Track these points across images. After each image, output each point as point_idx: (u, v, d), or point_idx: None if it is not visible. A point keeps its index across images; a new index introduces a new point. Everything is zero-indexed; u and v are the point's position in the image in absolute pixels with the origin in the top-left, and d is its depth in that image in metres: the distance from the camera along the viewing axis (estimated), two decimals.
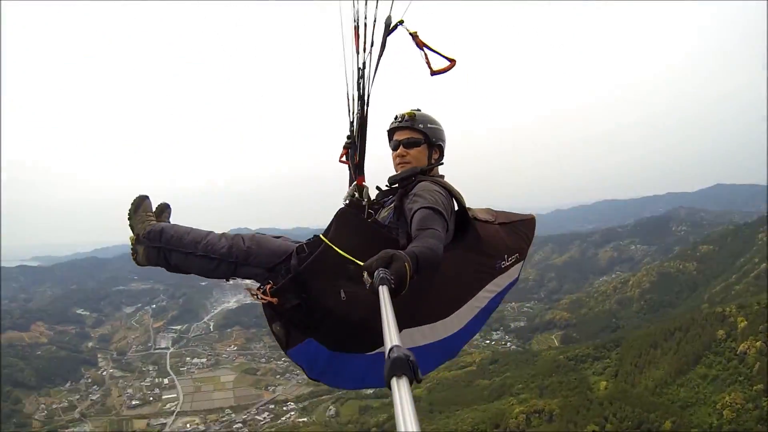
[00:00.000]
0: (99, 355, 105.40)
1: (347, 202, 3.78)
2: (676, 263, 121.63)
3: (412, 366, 1.26)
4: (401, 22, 3.63)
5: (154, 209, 3.93)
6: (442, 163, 3.91)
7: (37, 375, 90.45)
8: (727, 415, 53.23)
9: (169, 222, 3.91)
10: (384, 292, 1.95)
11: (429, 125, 3.70)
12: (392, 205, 3.57)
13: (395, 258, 2.28)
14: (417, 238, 2.84)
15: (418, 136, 3.69)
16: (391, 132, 3.83)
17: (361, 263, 2.38)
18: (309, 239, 3.51)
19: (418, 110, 3.76)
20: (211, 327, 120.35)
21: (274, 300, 3.21)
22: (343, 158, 4.08)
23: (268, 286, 3.25)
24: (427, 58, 3.70)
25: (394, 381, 1.20)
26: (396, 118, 3.77)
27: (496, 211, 4.06)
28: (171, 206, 4.03)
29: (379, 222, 3.61)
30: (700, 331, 67.93)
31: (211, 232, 3.64)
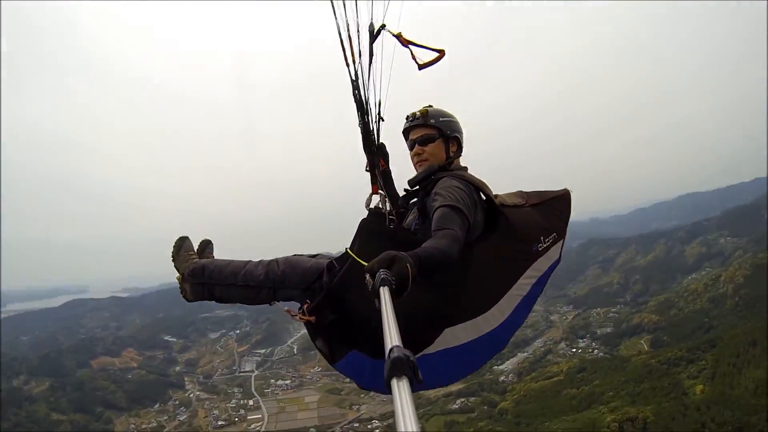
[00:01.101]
0: (186, 379, 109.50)
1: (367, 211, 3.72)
2: None
3: (412, 366, 1.26)
4: (383, 27, 3.59)
5: (196, 247, 4.07)
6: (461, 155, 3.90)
7: (127, 397, 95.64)
8: None
9: (213, 257, 4.02)
10: (385, 293, 1.97)
11: (441, 119, 3.66)
12: (416, 207, 3.61)
13: (397, 259, 2.29)
14: (430, 239, 2.85)
15: (431, 132, 3.66)
16: (405, 133, 3.84)
17: None
18: (340, 254, 3.51)
19: (430, 106, 3.71)
20: (295, 350, 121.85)
21: (312, 318, 3.28)
22: (365, 168, 4.06)
23: (306, 306, 3.31)
24: (413, 54, 3.69)
25: (394, 381, 1.20)
26: (408, 118, 3.78)
27: (527, 193, 3.97)
28: (213, 242, 4.17)
29: (402, 227, 3.71)
30: None
31: (249, 262, 3.70)
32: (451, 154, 3.72)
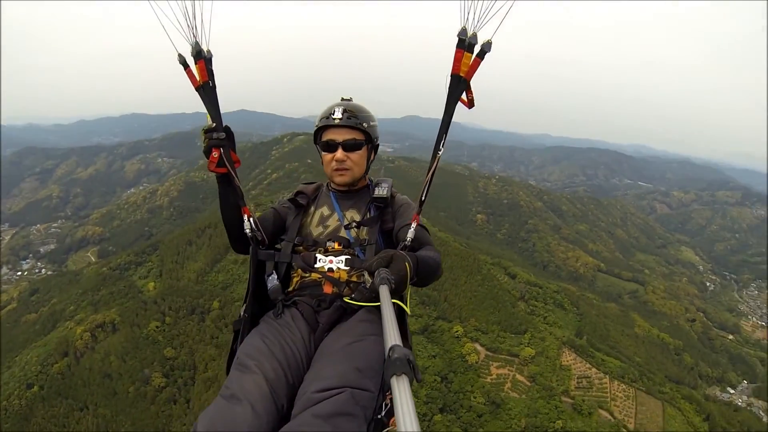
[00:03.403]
0: None
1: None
2: (201, 173, 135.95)
3: (411, 365, 1.30)
4: (489, 44, 2.29)
5: None
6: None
7: None
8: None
9: None
10: (384, 292, 1.98)
11: (371, 123, 2.98)
12: (376, 226, 2.94)
13: (396, 258, 2.26)
14: (422, 249, 2.73)
15: (360, 137, 2.94)
16: (322, 130, 2.99)
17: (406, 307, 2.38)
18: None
19: (350, 100, 3.05)
20: None
21: None
22: (216, 165, 2.64)
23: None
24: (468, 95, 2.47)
25: (394, 379, 1.21)
26: (333, 113, 2.91)
27: None
28: None
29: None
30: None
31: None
32: (370, 164, 3.13)
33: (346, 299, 2.59)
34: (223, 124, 2.63)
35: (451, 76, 2.38)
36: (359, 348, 2.29)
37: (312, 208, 3.09)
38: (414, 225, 2.71)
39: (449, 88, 2.40)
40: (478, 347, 65.17)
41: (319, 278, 2.77)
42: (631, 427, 57.40)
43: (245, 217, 2.75)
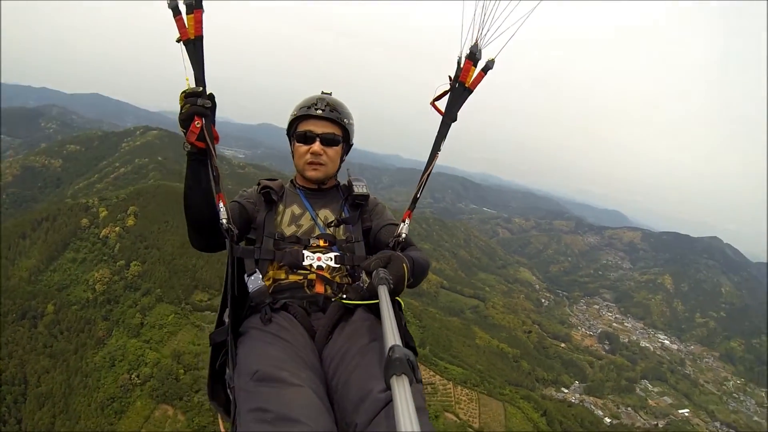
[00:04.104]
0: None
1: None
2: (42, 158, 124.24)
3: (411, 365, 1.29)
4: (492, 62, 2.52)
5: None
6: None
7: None
8: (99, 288, 64.31)
9: None
10: (383, 292, 1.97)
11: (351, 121, 2.96)
12: (359, 222, 2.93)
13: (393, 258, 2.25)
14: (409, 249, 2.74)
15: (339, 133, 2.90)
16: (299, 119, 2.92)
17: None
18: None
19: (330, 94, 3.00)
20: None
21: None
22: (196, 138, 2.21)
23: None
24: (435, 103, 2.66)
25: (393, 380, 1.22)
26: (316, 104, 2.87)
27: None
28: None
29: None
30: (67, 220, 75.43)
31: None
32: (340, 164, 3.07)
33: (337, 299, 2.52)
34: (204, 88, 2.23)
35: (458, 83, 2.56)
36: None
37: (281, 206, 2.93)
38: (407, 221, 2.73)
39: (454, 93, 2.58)
40: None
41: (300, 280, 2.63)
42: (476, 426, 64.04)
43: (220, 205, 2.38)
